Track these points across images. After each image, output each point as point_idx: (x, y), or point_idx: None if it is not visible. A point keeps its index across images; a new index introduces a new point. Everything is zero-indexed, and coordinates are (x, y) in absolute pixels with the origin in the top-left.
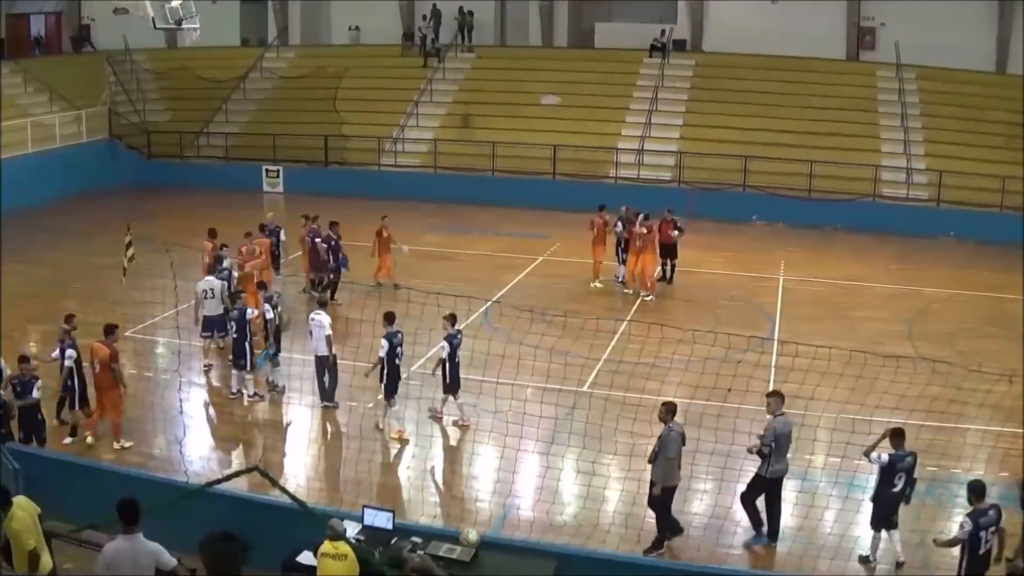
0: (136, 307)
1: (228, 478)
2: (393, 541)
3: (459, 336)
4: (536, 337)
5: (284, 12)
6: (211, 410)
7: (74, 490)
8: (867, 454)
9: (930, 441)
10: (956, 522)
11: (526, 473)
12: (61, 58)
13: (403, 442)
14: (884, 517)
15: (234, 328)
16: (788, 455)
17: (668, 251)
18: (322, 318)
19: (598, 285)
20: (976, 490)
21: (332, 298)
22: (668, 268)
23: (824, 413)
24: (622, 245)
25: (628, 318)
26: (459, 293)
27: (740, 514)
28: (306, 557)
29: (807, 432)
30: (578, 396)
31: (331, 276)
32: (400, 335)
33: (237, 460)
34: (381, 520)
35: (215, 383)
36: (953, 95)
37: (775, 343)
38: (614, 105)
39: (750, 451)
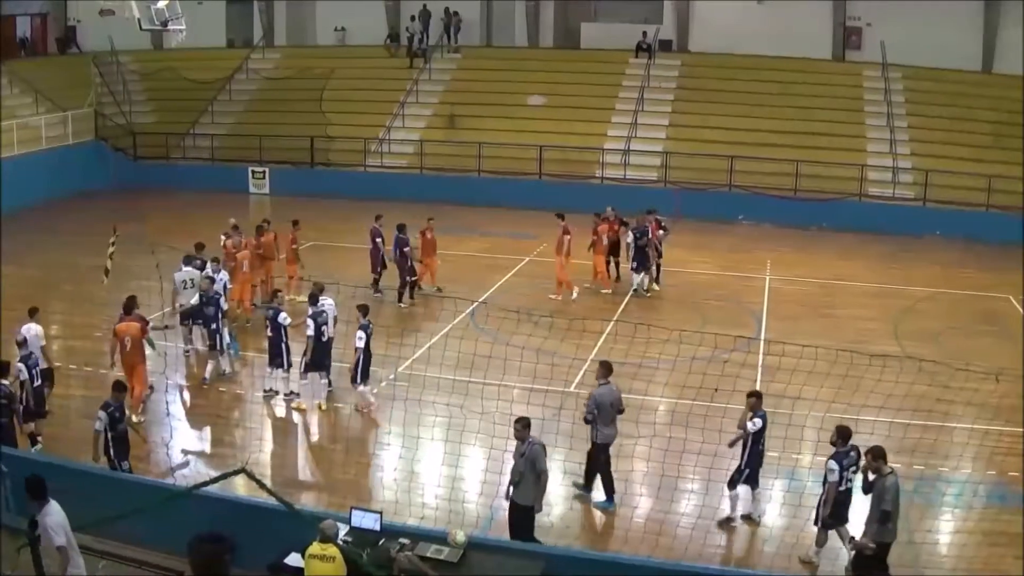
0: (120, 308)
1: (215, 480)
2: (381, 542)
3: (371, 326)
4: (523, 338)
5: (270, 13)
6: (198, 412)
7: (63, 493)
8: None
9: (917, 440)
10: (945, 520)
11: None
12: (47, 59)
13: (373, 423)
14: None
15: (269, 328)
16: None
17: (611, 249)
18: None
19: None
20: (843, 434)
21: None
22: (614, 266)
23: (811, 412)
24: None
25: (615, 318)
26: (451, 295)
27: (728, 513)
28: (293, 559)
29: (794, 432)
30: (565, 397)
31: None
32: (372, 327)
33: (224, 462)
34: (369, 521)
35: (204, 385)
36: (939, 94)
37: (761, 343)
38: (600, 105)
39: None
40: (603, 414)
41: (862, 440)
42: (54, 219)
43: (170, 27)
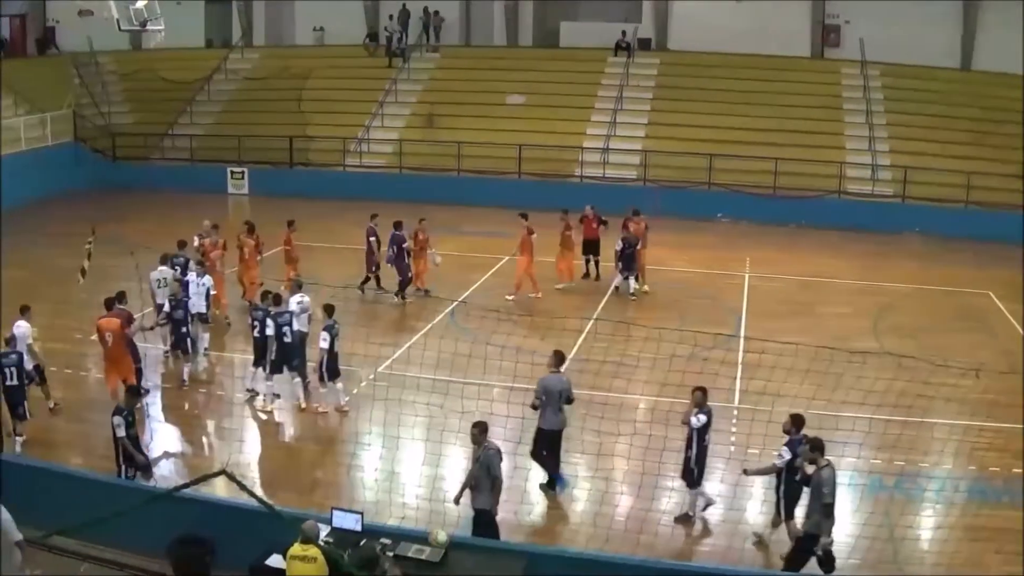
0: (100, 310)
1: (196, 482)
2: (362, 543)
3: (336, 326)
4: (502, 337)
5: (248, 13)
6: (178, 414)
7: (43, 496)
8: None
9: (897, 436)
10: (925, 516)
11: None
12: (26, 60)
13: (343, 413)
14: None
15: (257, 328)
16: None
17: (592, 247)
18: (307, 300)
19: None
20: (796, 422)
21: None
22: (594, 265)
23: (791, 409)
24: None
25: (595, 317)
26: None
27: (709, 511)
28: (275, 560)
29: (774, 428)
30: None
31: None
32: (337, 327)
33: (205, 464)
34: (350, 522)
35: (184, 387)
36: (918, 92)
37: (741, 340)
38: (579, 104)
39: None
40: (550, 401)
41: (843, 437)
42: (33, 221)
43: (149, 27)
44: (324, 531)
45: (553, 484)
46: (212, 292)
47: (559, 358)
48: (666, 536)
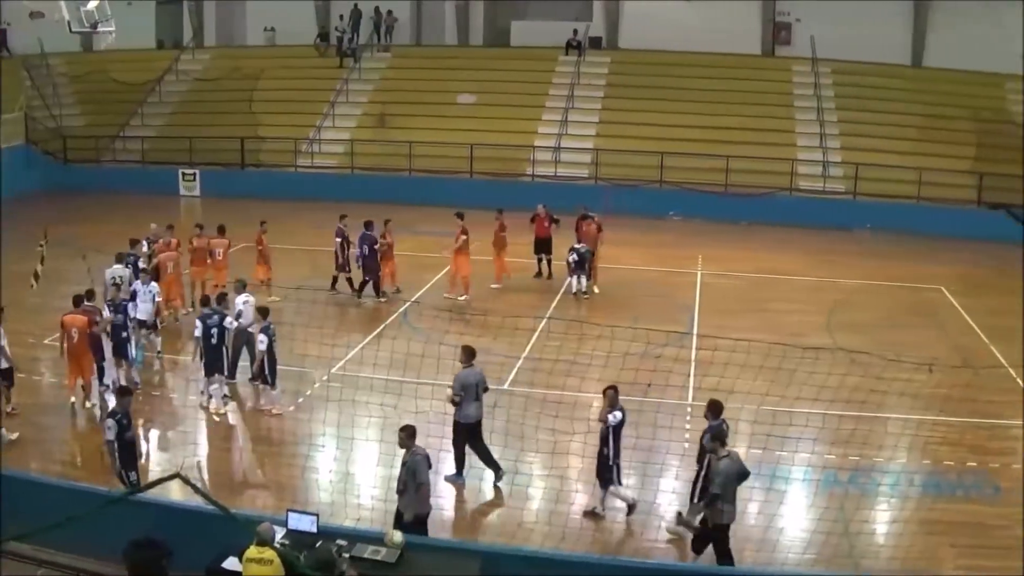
0: (54, 314)
1: (151, 485)
2: (318, 544)
3: (272, 328)
4: (455, 336)
5: (199, 14)
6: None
7: None
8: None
9: (851, 431)
10: (880, 510)
11: (449, 473)
12: None
13: (274, 416)
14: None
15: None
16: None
17: (544, 246)
18: (252, 299)
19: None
20: (714, 409)
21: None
22: (547, 264)
23: (744, 406)
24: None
25: (547, 315)
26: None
27: (663, 508)
28: (231, 563)
29: (728, 425)
30: (498, 395)
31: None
32: (273, 328)
33: (159, 467)
34: (305, 523)
35: (137, 389)
36: (869, 89)
37: (694, 337)
38: (531, 103)
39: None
40: (468, 394)
41: (797, 433)
42: None
43: (99, 29)
44: (280, 533)
45: (499, 469)
46: (158, 299)
47: (470, 353)
48: (621, 533)
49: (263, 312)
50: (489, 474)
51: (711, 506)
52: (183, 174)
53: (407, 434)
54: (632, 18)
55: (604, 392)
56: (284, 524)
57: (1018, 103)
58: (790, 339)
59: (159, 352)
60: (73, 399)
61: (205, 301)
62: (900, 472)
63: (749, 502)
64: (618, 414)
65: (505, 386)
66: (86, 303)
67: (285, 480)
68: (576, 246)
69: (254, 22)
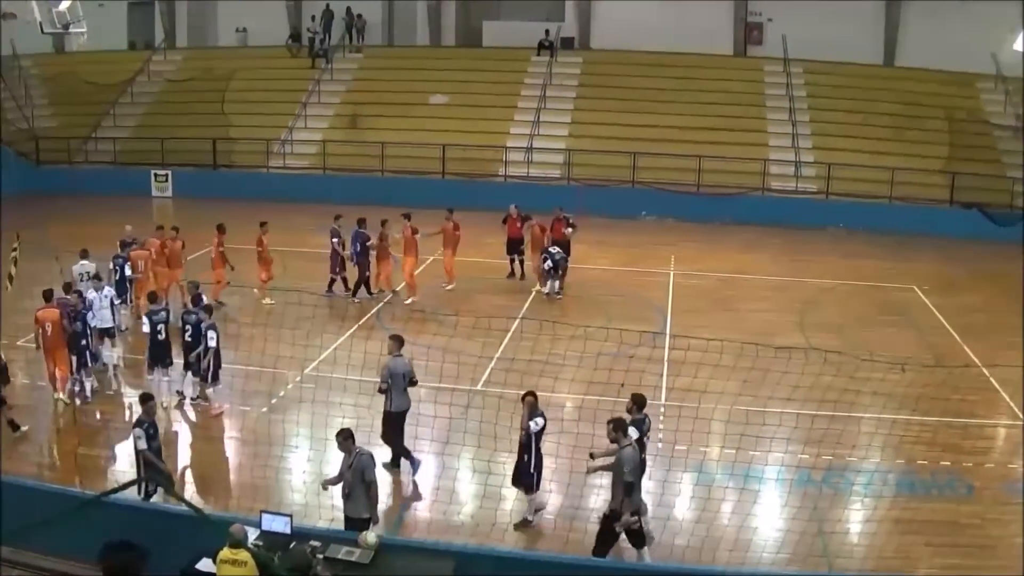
0: (27, 316)
1: (124, 487)
2: (292, 545)
3: (215, 326)
4: (428, 337)
5: (171, 14)
6: (105, 418)
7: None
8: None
9: (825, 431)
10: (854, 510)
11: (422, 474)
12: None
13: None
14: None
15: (190, 332)
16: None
17: (516, 246)
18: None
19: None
20: (638, 402)
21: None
22: (519, 264)
23: (718, 405)
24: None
25: (520, 316)
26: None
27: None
28: (205, 564)
29: (701, 425)
30: (472, 395)
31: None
32: (215, 326)
33: (133, 468)
34: (279, 525)
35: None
36: (840, 88)
37: (667, 337)
38: (503, 104)
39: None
40: (396, 384)
41: (770, 432)
42: None
43: (71, 30)
44: (253, 534)
45: (398, 463)
46: (116, 302)
47: (399, 342)
48: (595, 533)
49: (208, 311)
50: (464, 474)
51: (628, 495)
52: (155, 175)
53: (344, 437)
54: (604, 18)
55: (523, 399)
56: (258, 525)
57: (990, 102)
58: (763, 338)
59: (115, 361)
60: (58, 395)
61: (152, 298)
62: (874, 471)
63: (723, 502)
64: (540, 420)
65: (478, 387)
66: (63, 297)
67: (259, 481)
68: (551, 250)
69: (226, 23)
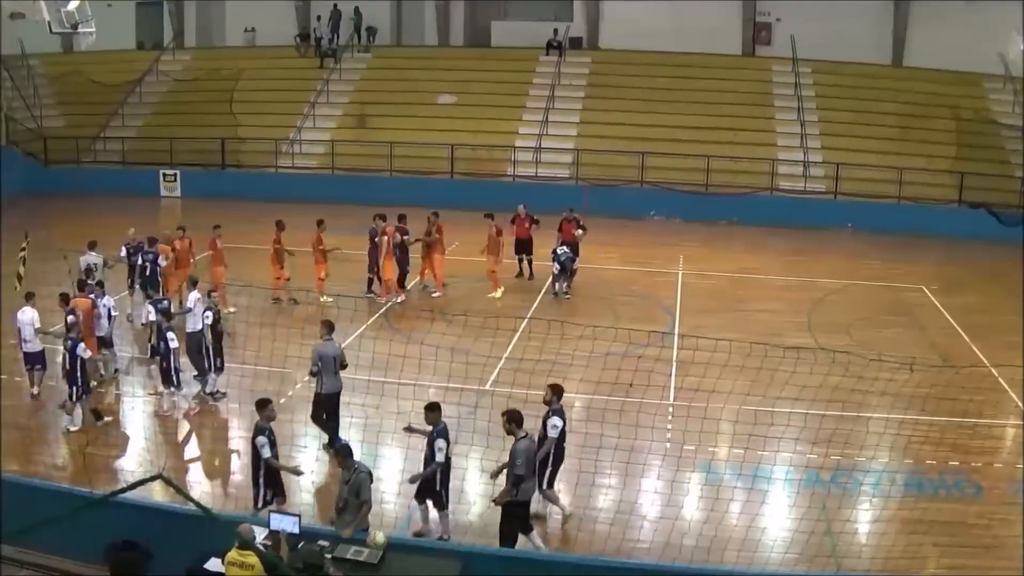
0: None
1: (132, 487)
2: (300, 545)
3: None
4: (437, 337)
5: (180, 14)
6: (115, 418)
7: None
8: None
9: (833, 431)
10: (862, 510)
11: (414, 472)
12: None
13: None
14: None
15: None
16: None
17: (524, 247)
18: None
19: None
20: (557, 392)
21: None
22: (527, 264)
23: (726, 405)
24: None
25: (528, 315)
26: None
27: (646, 508)
28: (213, 564)
29: (709, 425)
30: (480, 395)
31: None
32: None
33: (141, 468)
34: (287, 524)
35: (116, 390)
36: (849, 88)
37: (675, 337)
38: (511, 103)
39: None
40: (326, 367)
41: (779, 432)
42: None
43: (80, 29)
44: (262, 534)
45: (333, 444)
46: (114, 313)
47: (329, 327)
48: (603, 533)
49: (167, 315)
50: (472, 474)
51: (517, 486)
52: (164, 175)
53: (344, 453)
54: (612, 18)
55: (426, 412)
56: (266, 525)
57: (998, 102)
58: (771, 338)
59: (116, 370)
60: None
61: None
62: (882, 471)
63: (731, 502)
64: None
65: (487, 386)
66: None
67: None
68: (558, 251)
69: (234, 23)
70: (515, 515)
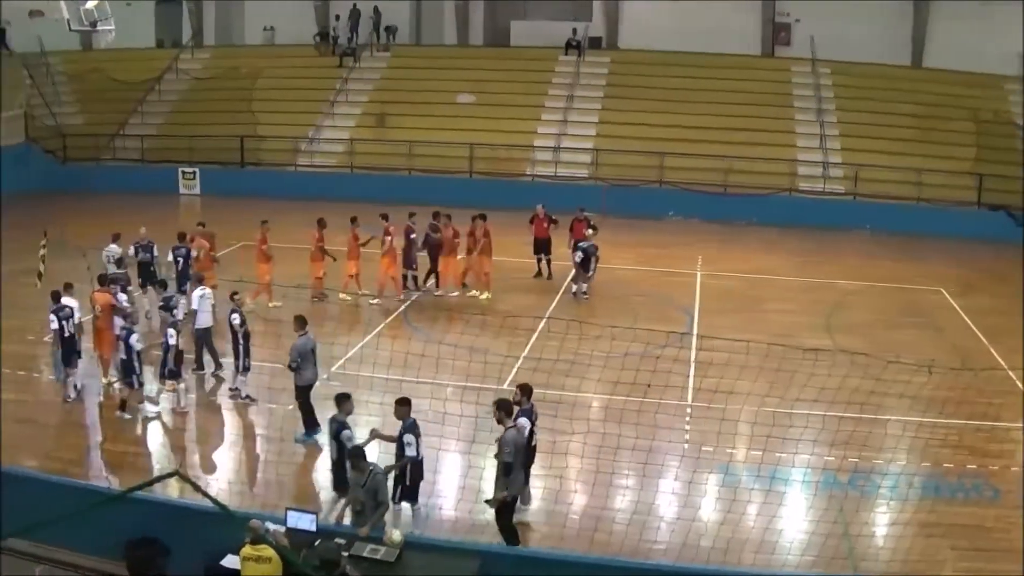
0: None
1: (149, 483)
2: (317, 543)
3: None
4: (455, 336)
5: (199, 13)
6: (131, 414)
7: None
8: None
9: (851, 433)
10: (880, 512)
11: (448, 473)
12: None
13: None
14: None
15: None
16: (317, 366)
17: (543, 246)
18: (209, 292)
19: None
20: (526, 391)
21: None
22: (546, 264)
23: (745, 407)
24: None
25: (547, 315)
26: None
27: (663, 509)
28: (230, 561)
29: (727, 426)
30: (498, 394)
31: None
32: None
33: (158, 464)
34: (304, 522)
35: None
36: (868, 89)
37: (693, 338)
38: (530, 103)
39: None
40: (304, 361)
41: (797, 434)
42: None
43: (99, 27)
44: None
45: (309, 433)
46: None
47: (302, 322)
48: (620, 534)
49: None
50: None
51: (506, 475)
52: (183, 172)
53: (358, 456)
54: (632, 18)
55: (398, 406)
56: (283, 522)
57: (1018, 104)
58: (789, 339)
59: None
60: (104, 379)
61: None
62: (900, 474)
63: (748, 503)
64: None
65: (505, 386)
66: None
67: (284, 478)
68: (581, 244)
69: (253, 21)
70: (504, 508)
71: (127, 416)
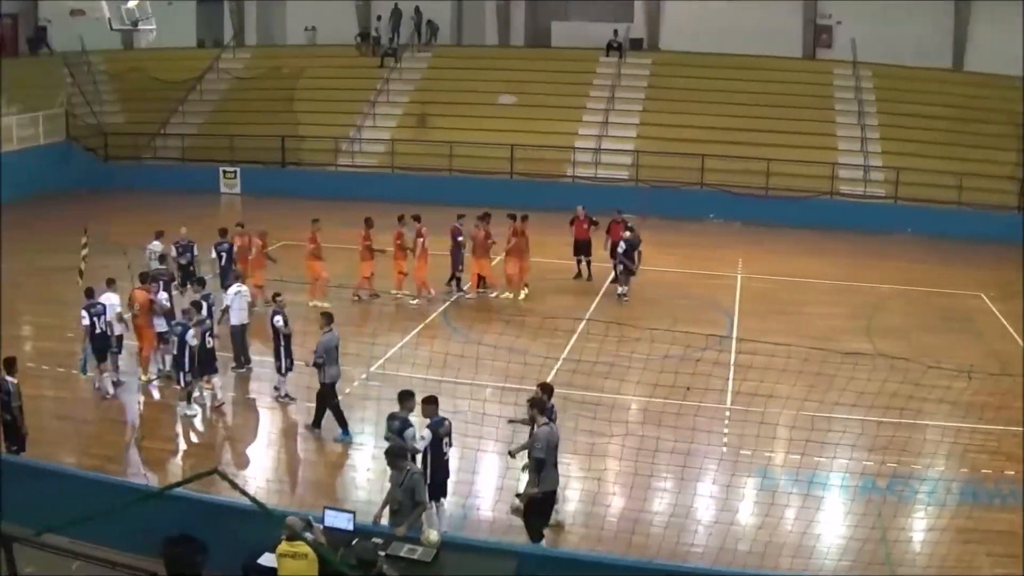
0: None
1: (187, 481)
2: (355, 542)
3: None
4: (494, 336)
5: (240, 13)
6: (169, 412)
7: (34, 494)
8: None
9: (890, 438)
10: (917, 518)
11: (486, 473)
12: (18, 60)
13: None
14: (442, 483)
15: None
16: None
17: (583, 248)
18: (245, 289)
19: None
20: (547, 389)
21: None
22: (586, 265)
23: (784, 410)
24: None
25: (587, 317)
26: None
27: (701, 512)
28: (267, 559)
29: (766, 430)
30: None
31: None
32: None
33: (196, 462)
34: (342, 521)
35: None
36: (909, 92)
37: (733, 341)
38: (571, 104)
39: (308, 364)
40: (329, 357)
41: (836, 438)
42: (24, 220)
43: (140, 27)
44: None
45: (317, 426)
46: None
47: (329, 318)
48: (658, 537)
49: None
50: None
51: (538, 472)
52: (224, 172)
53: (394, 455)
54: (673, 19)
55: (418, 402)
56: (321, 521)
57: None
58: (829, 343)
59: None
60: (143, 376)
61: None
62: (938, 480)
63: (786, 507)
64: (428, 433)
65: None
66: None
67: (323, 477)
68: (625, 236)
69: (294, 21)
70: (540, 510)
71: (193, 410)
